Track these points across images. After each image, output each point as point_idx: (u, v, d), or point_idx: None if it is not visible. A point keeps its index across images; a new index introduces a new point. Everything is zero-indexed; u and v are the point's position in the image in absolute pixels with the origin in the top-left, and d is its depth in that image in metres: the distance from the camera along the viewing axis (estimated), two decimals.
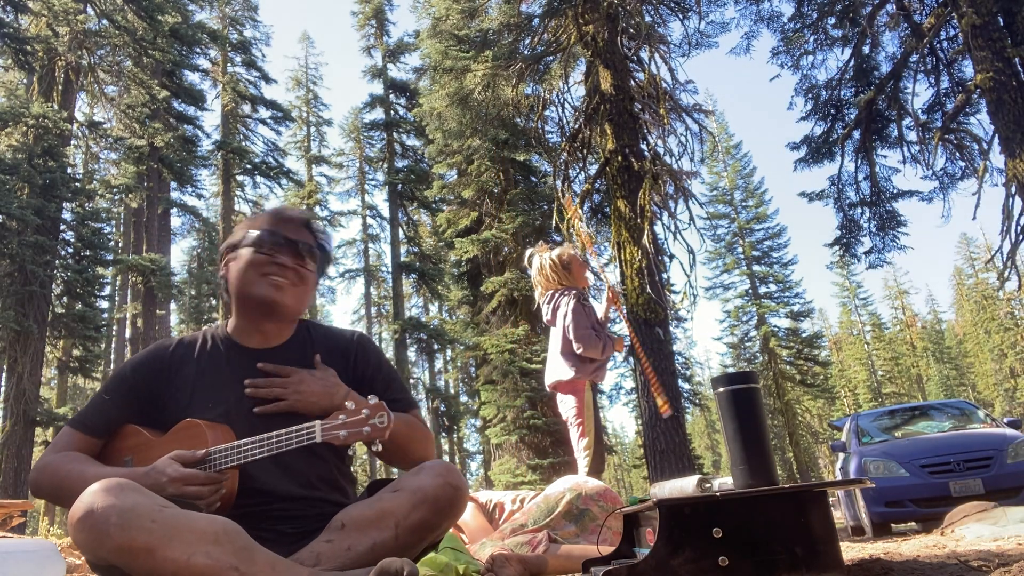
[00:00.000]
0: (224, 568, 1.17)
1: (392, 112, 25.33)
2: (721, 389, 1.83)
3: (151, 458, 1.41)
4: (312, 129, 29.45)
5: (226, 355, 1.61)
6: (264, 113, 24.46)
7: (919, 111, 11.45)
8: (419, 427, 1.63)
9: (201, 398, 1.54)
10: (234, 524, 1.24)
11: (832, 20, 11.92)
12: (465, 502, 1.47)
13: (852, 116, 11.85)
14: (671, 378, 8.54)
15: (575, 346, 3.93)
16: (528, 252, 4.34)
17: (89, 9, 16.24)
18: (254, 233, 1.60)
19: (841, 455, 7.57)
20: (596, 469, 3.81)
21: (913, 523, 6.90)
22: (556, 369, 4.02)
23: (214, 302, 24.95)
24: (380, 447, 1.41)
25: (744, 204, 31.12)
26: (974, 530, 3.41)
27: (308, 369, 1.57)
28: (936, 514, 5.27)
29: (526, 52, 11.17)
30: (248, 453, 1.39)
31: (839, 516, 8.78)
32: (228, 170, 23.26)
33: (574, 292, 4.10)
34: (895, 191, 11.94)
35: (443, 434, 27.01)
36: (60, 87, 15.97)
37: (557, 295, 4.13)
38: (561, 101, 11.34)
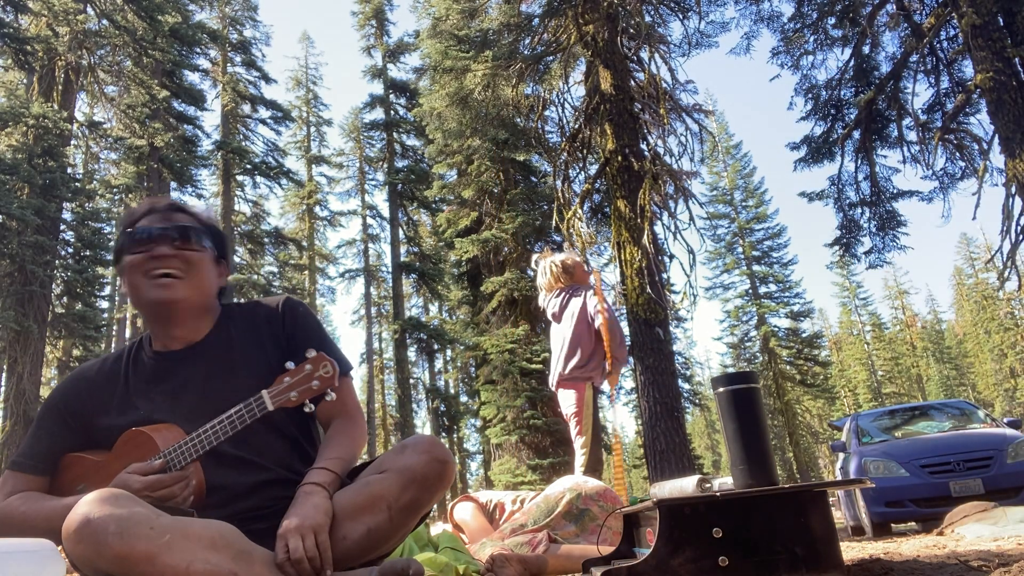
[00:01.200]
0: (223, 573, 1.17)
1: (392, 112, 25.33)
2: (721, 389, 1.83)
3: (105, 478, 1.37)
4: (312, 129, 29.46)
5: (150, 363, 1.56)
6: (264, 113, 24.46)
7: (919, 111, 11.46)
8: (359, 435, 1.56)
9: (134, 411, 1.50)
10: (229, 527, 1.23)
11: (832, 20, 11.92)
12: (452, 474, 1.44)
13: (852, 116, 11.85)
14: (671, 378, 8.54)
15: (618, 348, 3.97)
16: (534, 258, 4.44)
17: (89, 9, 16.24)
18: (127, 233, 1.50)
19: (841, 455, 7.57)
20: (592, 468, 3.82)
21: (913, 523, 6.90)
22: (560, 364, 4.03)
23: None
24: (334, 396, 1.37)
25: (744, 204, 31.13)
26: (974, 530, 3.41)
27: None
28: (936, 514, 5.26)
29: (526, 52, 11.17)
30: (205, 441, 1.35)
31: (839, 516, 8.78)
32: (228, 170, 23.26)
33: (588, 291, 4.13)
34: (895, 191, 11.95)
35: (443, 434, 27.00)
36: (60, 87, 15.97)
37: (566, 292, 4.15)
38: (561, 101, 11.35)
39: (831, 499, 2.56)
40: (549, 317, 4.29)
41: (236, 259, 22.92)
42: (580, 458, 3.86)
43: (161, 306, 1.48)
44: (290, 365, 1.35)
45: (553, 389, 4.17)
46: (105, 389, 1.55)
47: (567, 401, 4.00)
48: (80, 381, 1.58)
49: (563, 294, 4.17)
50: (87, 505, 1.19)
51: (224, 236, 1.64)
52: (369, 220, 28.08)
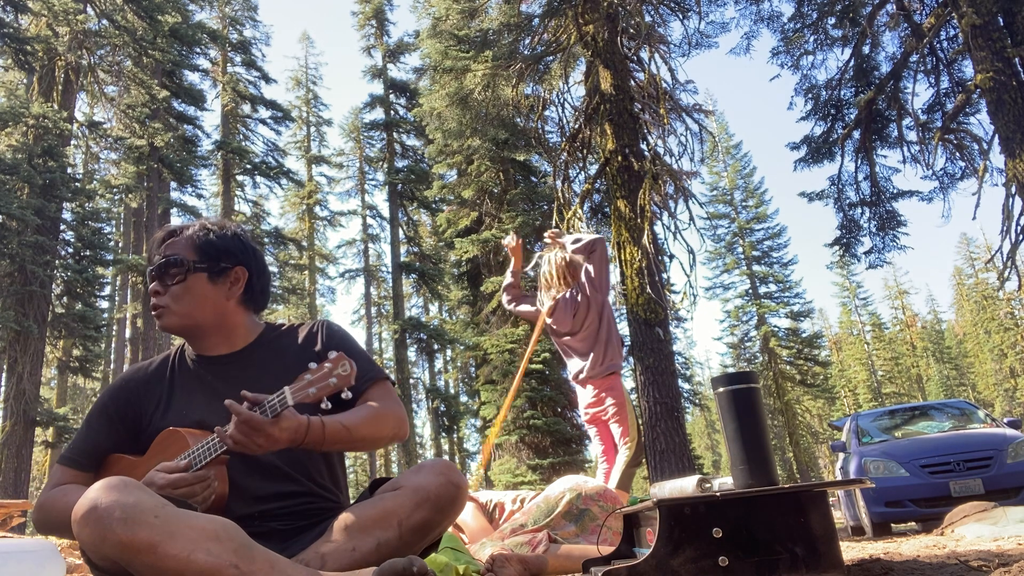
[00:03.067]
0: (224, 565, 1.18)
1: (392, 112, 25.33)
2: (721, 389, 1.83)
3: (139, 476, 1.42)
4: (312, 129, 29.47)
5: (194, 367, 1.65)
6: (264, 113, 24.47)
7: (919, 111, 11.46)
8: (381, 413, 1.57)
9: (176, 412, 1.58)
10: (232, 523, 1.25)
11: (832, 20, 11.92)
12: (465, 500, 1.48)
13: (852, 116, 11.85)
14: (671, 378, 8.53)
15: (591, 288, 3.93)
16: (537, 255, 4.34)
17: (89, 9, 16.24)
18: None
19: (841, 455, 7.57)
20: (636, 462, 3.76)
21: (913, 523, 6.90)
22: (592, 362, 3.94)
23: None
24: (350, 395, 1.40)
25: (744, 204, 31.13)
26: (974, 530, 3.42)
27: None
28: (936, 514, 5.27)
29: (526, 52, 11.17)
30: (216, 446, 1.39)
31: (839, 516, 8.78)
32: (228, 170, 23.27)
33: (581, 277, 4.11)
34: (895, 191, 11.95)
35: (443, 434, 27.02)
36: (60, 87, 15.97)
37: (571, 295, 4.12)
38: (561, 101, 11.34)
39: (831, 499, 2.56)
40: (548, 318, 4.17)
41: None
42: (624, 453, 3.76)
43: (169, 333, 1.66)
44: (312, 365, 1.39)
45: (579, 386, 4.05)
46: (152, 391, 1.63)
47: (602, 398, 3.90)
48: (128, 383, 1.65)
49: (570, 298, 4.10)
50: (95, 491, 1.22)
51: (224, 244, 1.67)
52: (369, 220, 28.11)
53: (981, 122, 11.30)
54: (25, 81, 15.92)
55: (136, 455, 1.56)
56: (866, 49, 11.67)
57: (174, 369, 1.66)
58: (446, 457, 28.70)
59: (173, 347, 1.73)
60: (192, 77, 21.23)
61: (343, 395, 1.40)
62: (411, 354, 25.74)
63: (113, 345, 23.99)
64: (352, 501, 1.57)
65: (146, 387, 1.63)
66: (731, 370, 28.56)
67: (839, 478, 7.74)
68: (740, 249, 30.43)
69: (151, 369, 1.67)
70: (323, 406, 1.38)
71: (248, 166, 23.27)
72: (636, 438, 3.78)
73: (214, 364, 1.64)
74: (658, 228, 9.37)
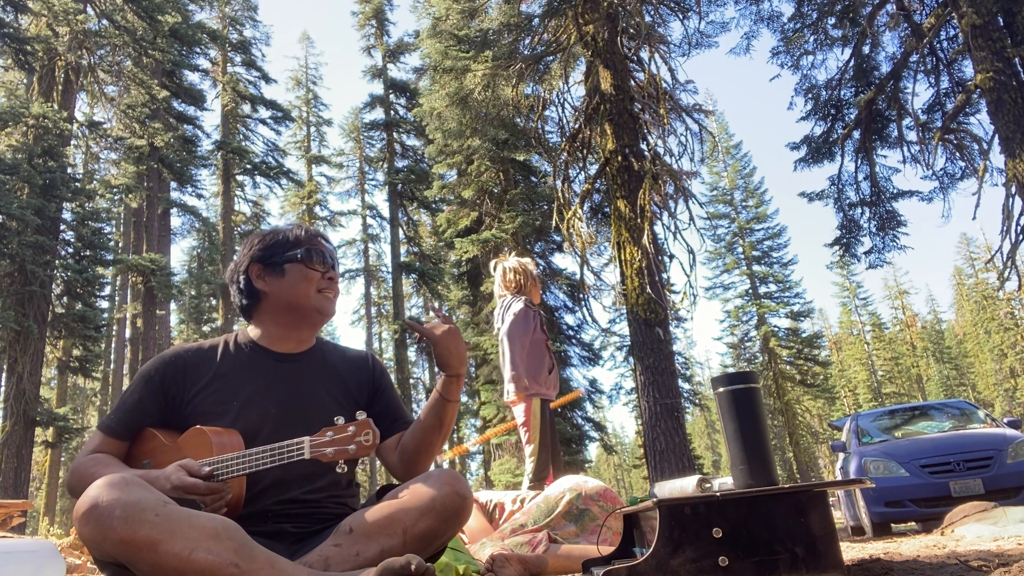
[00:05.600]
0: (224, 564, 1.18)
1: (392, 112, 25.32)
2: (721, 389, 1.83)
3: (164, 462, 1.44)
4: (312, 129, 29.46)
5: (250, 357, 1.67)
6: (264, 113, 24.48)
7: (919, 111, 11.47)
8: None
9: (224, 396, 1.58)
10: (233, 523, 1.26)
11: (832, 20, 11.93)
12: (470, 511, 1.49)
13: (852, 116, 11.86)
14: (671, 378, 8.54)
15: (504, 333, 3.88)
16: (492, 262, 4.27)
17: (89, 9, 16.24)
18: (301, 250, 1.72)
19: (841, 455, 7.57)
20: (538, 477, 3.76)
21: (913, 523, 6.90)
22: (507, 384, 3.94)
23: (214, 302, 24.95)
24: (361, 466, 1.47)
25: (744, 204, 31.12)
26: (974, 530, 3.42)
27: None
28: (936, 514, 5.27)
29: (526, 52, 11.17)
30: (248, 465, 1.41)
31: (839, 516, 8.78)
32: (228, 170, 23.26)
33: (523, 298, 4.00)
34: (895, 191, 11.95)
35: None
36: (60, 87, 15.96)
37: (507, 301, 4.05)
38: (561, 101, 11.34)
39: (831, 499, 2.56)
40: (495, 331, 4.14)
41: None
42: (529, 465, 3.82)
43: (322, 315, 1.71)
44: (339, 420, 1.39)
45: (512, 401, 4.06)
46: (200, 369, 1.63)
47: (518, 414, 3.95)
48: (178, 356, 1.65)
49: (504, 304, 4.05)
50: (97, 488, 1.23)
51: None
52: (369, 220, 28.11)
53: (981, 122, 11.31)
54: (25, 81, 15.92)
55: (170, 433, 1.56)
56: (866, 49, 11.68)
57: (227, 353, 1.67)
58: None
59: (228, 334, 1.74)
60: (192, 77, 21.25)
61: (358, 465, 1.47)
62: (411, 354, 25.76)
63: (113, 345, 23.98)
64: (361, 506, 1.58)
65: (195, 364, 1.63)
66: (731, 370, 28.57)
67: (839, 478, 7.74)
68: (740, 249, 30.42)
69: (202, 349, 1.68)
70: (338, 469, 1.39)
71: (248, 166, 23.27)
72: (538, 454, 3.79)
73: (274, 359, 1.68)
74: (658, 228, 9.38)
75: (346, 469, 1.41)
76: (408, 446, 1.67)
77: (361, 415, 1.40)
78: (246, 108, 24.63)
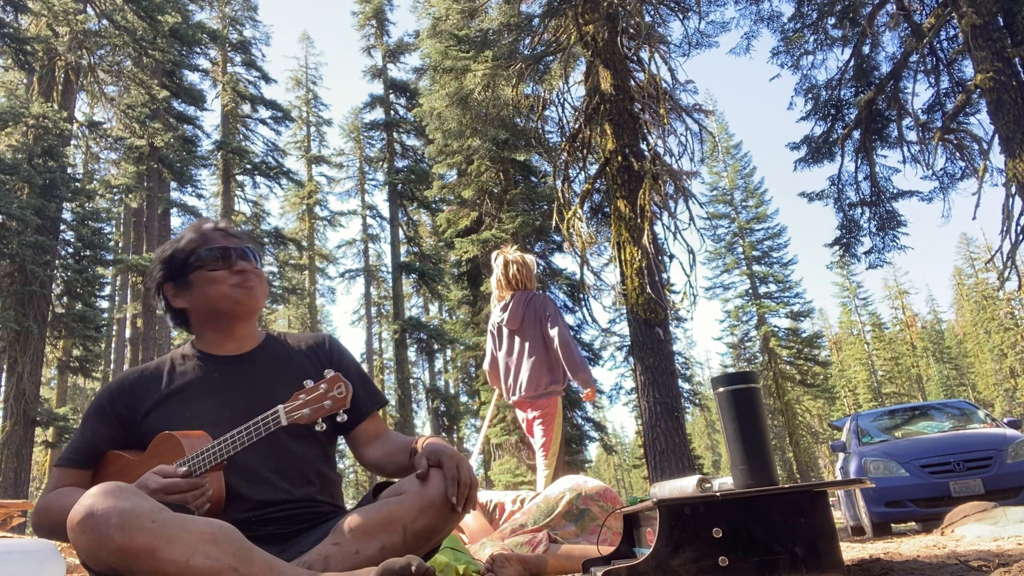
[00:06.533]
0: (223, 568, 1.18)
1: (392, 112, 25.32)
2: (721, 389, 1.83)
3: (135, 477, 1.42)
4: (312, 129, 29.47)
5: (197, 367, 1.66)
6: (264, 113, 24.46)
7: (919, 111, 11.46)
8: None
9: (177, 410, 1.58)
10: (230, 526, 1.25)
11: (832, 20, 11.93)
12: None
13: (852, 116, 11.85)
14: (671, 378, 8.53)
15: (570, 372, 3.81)
16: (494, 254, 4.22)
17: (89, 9, 16.24)
18: (196, 254, 1.66)
19: (841, 455, 7.57)
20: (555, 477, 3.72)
21: (913, 523, 6.90)
22: (538, 379, 3.87)
23: None
24: (345, 417, 1.43)
25: (744, 204, 31.12)
26: (974, 530, 3.41)
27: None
28: (936, 514, 5.27)
29: (526, 52, 11.17)
30: (223, 450, 1.40)
31: (839, 516, 8.77)
32: (228, 170, 23.26)
33: (550, 298, 3.98)
34: (895, 191, 11.95)
35: (443, 434, 26.99)
36: (60, 87, 15.96)
37: (528, 297, 3.99)
38: (561, 101, 11.34)
39: (831, 499, 2.56)
40: (503, 324, 4.05)
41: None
42: (543, 472, 3.72)
43: (242, 307, 1.66)
44: (308, 383, 1.40)
45: (515, 404, 3.98)
46: (148, 389, 1.62)
47: (540, 417, 3.85)
48: (124, 381, 1.65)
49: (524, 300, 3.98)
50: (91, 498, 1.21)
51: (262, 253, 1.81)
52: (369, 220, 28.11)
53: (981, 122, 11.30)
54: (25, 81, 15.91)
55: (132, 454, 1.56)
56: (866, 49, 11.68)
57: (173, 369, 1.66)
58: None
59: (174, 351, 1.74)
60: (192, 77, 21.24)
61: (338, 418, 1.42)
62: (411, 354, 25.74)
63: (113, 345, 23.99)
64: (356, 504, 1.58)
65: (142, 385, 1.63)
66: (731, 370, 28.56)
67: (839, 478, 7.74)
68: (740, 249, 30.42)
69: (148, 370, 1.68)
70: (318, 428, 1.40)
71: (248, 166, 23.26)
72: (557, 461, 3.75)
73: (222, 363, 1.66)
74: (658, 228, 9.38)
75: (324, 427, 1.40)
76: (385, 468, 1.66)
77: (329, 372, 1.40)
78: (246, 108, 24.63)
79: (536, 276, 4.13)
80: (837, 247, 12.66)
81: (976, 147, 10.52)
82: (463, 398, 24.97)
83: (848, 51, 11.79)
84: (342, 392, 1.38)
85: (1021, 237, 9.11)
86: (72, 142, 17.21)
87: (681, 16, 10.80)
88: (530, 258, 4.15)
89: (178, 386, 1.62)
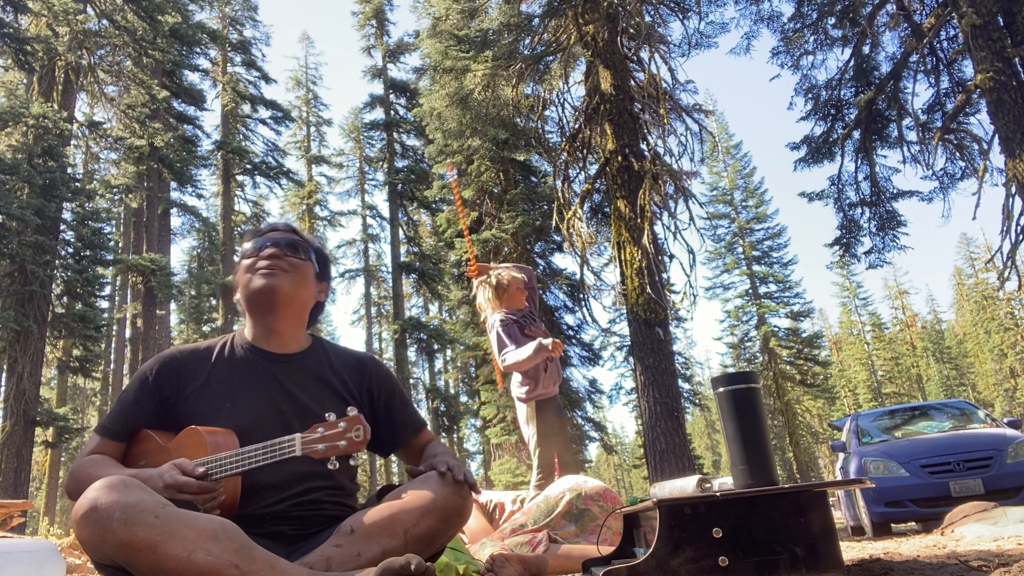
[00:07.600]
0: (224, 565, 1.18)
1: (392, 112, 25.32)
2: (721, 389, 1.83)
3: (159, 464, 1.44)
4: (312, 129, 29.45)
5: (244, 358, 1.67)
6: (264, 113, 24.47)
7: (919, 111, 11.47)
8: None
9: (217, 399, 1.59)
10: (232, 524, 1.26)
11: (832, 20, 11.93)
12: (471, 511, 1.50)
13: (852, 116, 11.86)
14: (671, 378, 8.53)
15: (502, 367, 3.83)
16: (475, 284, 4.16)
17: (89, 9, 16.24)
18: (245, 247, 1.73)
19: (841, 455, 7.57)
20: (547, 475, 3.72)
21: (913, 523, 6.90)
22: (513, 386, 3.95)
23: (214, 302, 24.94)
24: (354, 462, 1.46)
25: (744, 204, 31.11)
26: (974, 530, 3.42)
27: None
28: (936, 514, 5.27)
29: (526, 52, 11.17)
30: (241, 464, 1.41)
31: (839, 516, 8.78)
32: (228, 170, 23.26)
33: (498, 315, 3.91)
34: (895, 191, 11.95)
35: (443, 434, 27.01)
36: (60, 87, 15.96)
37: (489, 319, 3.98)
38: (561, 101, 11.34)
39: (831, 499, 2.56)
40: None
41: (235, 258, 22.91)
42: (536, 475, 3.71)
43: (263, 292, 1.65)
44: (331, 416, 1.40)
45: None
46: (195, 369, 1.63)
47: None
48: (173, 357, 1.66)
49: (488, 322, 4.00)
50: (96, 491, 1.22)
51: (325, 257, 1.85)
52: (369, 220, 28.10)
53: (981, 122, 11.32)
54: (25, 81, 15.91)
55: (166, 435, 1.57)
56: (866, 49, 11.68)
57: (223, 354, 1.67)
58: None
59: (227, 335, 1.74)
60: (192, 77, 21.25)
61: (350, 461, 1.45)
62: (411, 354, 25.76)
63: (113, 345, 23.98)
64: (361, 506, 1.58)
65: (190, 364, 1.64)
66: (731, 370, 28.57)
67: (839, 478, 7.74)
68: (740, 249, 30.41)
69: (199, 350, 1.69)
70: (330, 466, 1.40)
71: (248, 166, 23.27)
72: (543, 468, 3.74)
73: (267, 359, 1.67)
74: (658, 228, 9.38)
75: (337, 466, 1.41)
76: None
77: (352, 411, 1.40)
78: (246, 108, 24.63)
79: (505, 292, 4.05)
80: (837, 247, 12.66)
81: (976, 147, 10.52)
82: (463, 398, 25.00)
83: (848, 51, 11.80)
84: (359, 436, 1.37)
85: (1021, 237, 9.11)
86: (72, 142, 17.21)
87: (681, 16, 10.81)
88: (496, 277, 4.04)
89: (224, 373, 1.63)
